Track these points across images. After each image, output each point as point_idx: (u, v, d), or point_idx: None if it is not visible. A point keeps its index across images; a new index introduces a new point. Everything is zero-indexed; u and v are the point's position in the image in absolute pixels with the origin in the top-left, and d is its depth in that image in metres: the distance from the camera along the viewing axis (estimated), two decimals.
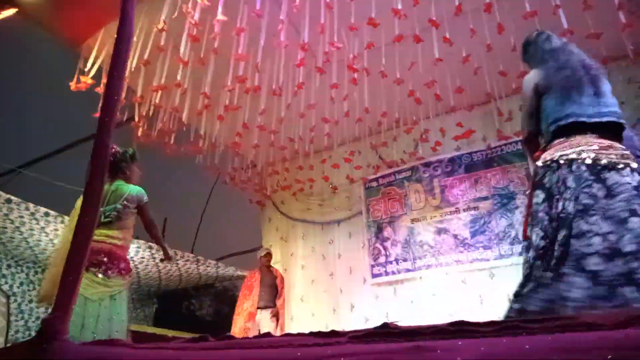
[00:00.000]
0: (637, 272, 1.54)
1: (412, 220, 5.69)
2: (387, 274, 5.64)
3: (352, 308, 5.75)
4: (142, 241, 5.43)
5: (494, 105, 4.87)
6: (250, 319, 5.37)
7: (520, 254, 4.85)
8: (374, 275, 5.74)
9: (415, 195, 5.78)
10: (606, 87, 2.01)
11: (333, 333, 1.09)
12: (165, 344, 1.42)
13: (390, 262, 5.67)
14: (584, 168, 1.76)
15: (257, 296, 5.47)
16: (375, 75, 4.31)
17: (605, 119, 1.88)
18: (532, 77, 2.09)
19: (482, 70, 4.34)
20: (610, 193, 1.70)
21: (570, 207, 1.71)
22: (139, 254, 5.69)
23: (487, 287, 4.95)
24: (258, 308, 5.44)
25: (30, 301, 5.53)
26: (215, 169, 5.64)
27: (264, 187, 6.72)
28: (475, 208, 5.30)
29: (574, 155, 1.80)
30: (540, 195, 1.86)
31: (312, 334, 1.12)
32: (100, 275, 2.66)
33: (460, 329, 0.92)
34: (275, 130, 4.95)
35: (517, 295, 1.74)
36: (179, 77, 4.21)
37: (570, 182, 1.76)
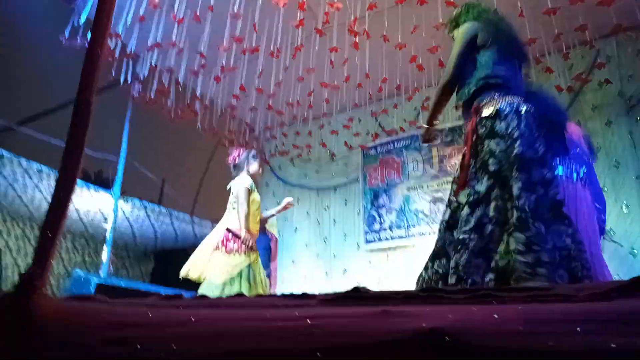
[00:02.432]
0: None
1: (409, 189, 5.68)
2: (380, 240, 5.69)
3: (344, 272, 5.83)
4: (137, 200, 5.45)
5: None
6: None
7: None
8: (368, 242, 5.79)
9: (413, 163, 5.75)
10: None
11: (304, 295, 1.09)
12: (140, 300, 1.42)
13: (385, 229, 5.70)
14: (532, 120, 1.83)
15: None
16: (377, 39, 4.20)
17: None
18: (469, 26, 2.05)
19: None
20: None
21: (528, 152, 1.74)
22: (134, 212, 5.73)
23: None
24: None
25: (26, 255, 5.61)
26: (214, 132, 5.60)
27: (261, 151, 6.68)
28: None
29: (522, 107, 1.86)
30: (495, 141, 1.86)
31: (283, 295, 1.12)
32: None
33: (430, 295, 0.91)
34: (273, 93, 4.87)
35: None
36: (174, 37, 4.11)
37: (523, 128, 1.80)
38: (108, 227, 5.38)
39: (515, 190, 1.68)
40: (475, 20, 2.09)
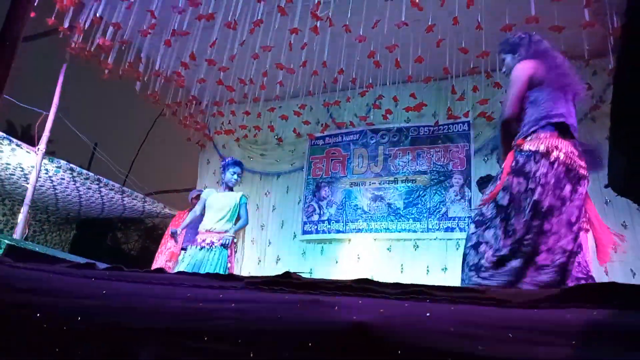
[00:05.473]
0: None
1: (351, 184, 5.70)
2: (317, 232, 5.66)
3: (277, 261, 5.76)
4: (63, 161, 5.04)
5: (450, 82, 4.85)
6: (172, 258, 5.22)
7: (446, 230, 5.02)
8: (305, 232, 5.74)
9: (358, 159, 5.76)
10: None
11: (231, 277, 1.01)
12: (48, 266, 1.28)
13: (323, 222, 5.68)
14: (562, 169, 1.85)
15: (182, 236, 5.30)
16: (338, 29, 4.12)
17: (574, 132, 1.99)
18: (528, 66, 2.09)
19: (444, 43, 4.27)
20: (571, 198, 1.85)
21: (545, 201, 1.82)
22: (59, 174, 5.30)
23: (410, 257, 5.11)
24: (182, 249, 5.28)
25: None
26: (157, 99, 5.27)
27: (206, 127, 6.42)
28: (413, 180, 5.38)
29: (557, 154, 1.88)
30: (518, 180, 1.92)
31: (208, 275, 1.03)
32: None
33: (363, 287, 0.85)
34: (225, 67, 4.66)
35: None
36: None
37: (549, 178, 1.85)
38: (28, 186, 4.96)
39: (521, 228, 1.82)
40: (530, 58, 2.11)
